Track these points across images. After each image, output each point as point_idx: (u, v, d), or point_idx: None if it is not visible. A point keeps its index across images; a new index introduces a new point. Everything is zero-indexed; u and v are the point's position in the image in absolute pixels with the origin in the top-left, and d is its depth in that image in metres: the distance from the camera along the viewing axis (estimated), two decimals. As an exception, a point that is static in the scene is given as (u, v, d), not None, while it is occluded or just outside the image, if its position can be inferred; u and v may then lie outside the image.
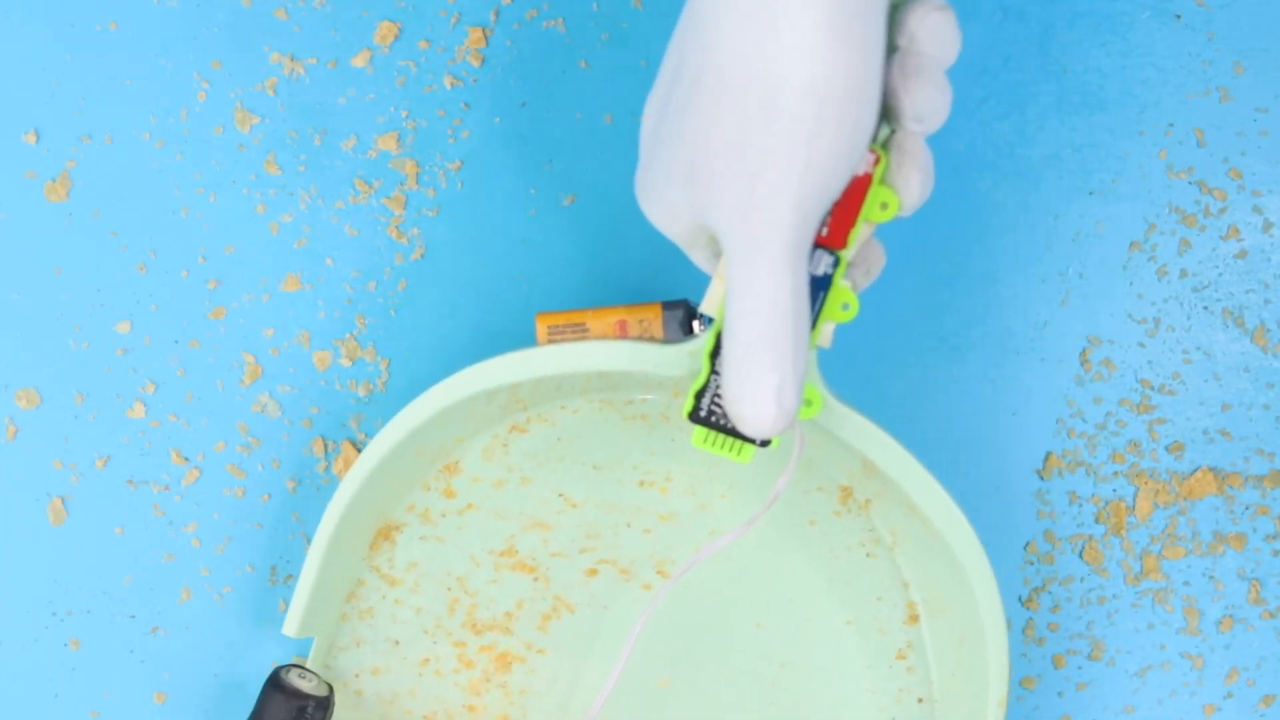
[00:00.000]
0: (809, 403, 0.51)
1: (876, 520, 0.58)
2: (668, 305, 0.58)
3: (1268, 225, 0.63)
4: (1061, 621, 0.62)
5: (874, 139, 0.49)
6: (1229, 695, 0.62)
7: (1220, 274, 0.63)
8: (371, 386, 0.62)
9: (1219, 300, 0.62)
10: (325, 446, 0.62)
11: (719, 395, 0.51)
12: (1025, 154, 0.63)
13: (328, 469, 0.62)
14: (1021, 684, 0.62)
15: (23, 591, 0.62)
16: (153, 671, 0.62)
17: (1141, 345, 0.62)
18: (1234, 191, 0.63)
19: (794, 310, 0.47)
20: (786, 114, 0.44)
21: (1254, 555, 0.62)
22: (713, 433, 0.51)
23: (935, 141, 0.63)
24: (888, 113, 0.48)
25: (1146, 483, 0.62)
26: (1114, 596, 0.62)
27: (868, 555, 0.59)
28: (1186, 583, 0.62)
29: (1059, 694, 0.62)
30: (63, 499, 0.62)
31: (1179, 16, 0.63)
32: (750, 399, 0.48)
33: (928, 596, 0.58)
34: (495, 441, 0.58)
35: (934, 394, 0.62)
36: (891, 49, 0.48)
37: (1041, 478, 0.62)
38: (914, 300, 0.62)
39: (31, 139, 0.62)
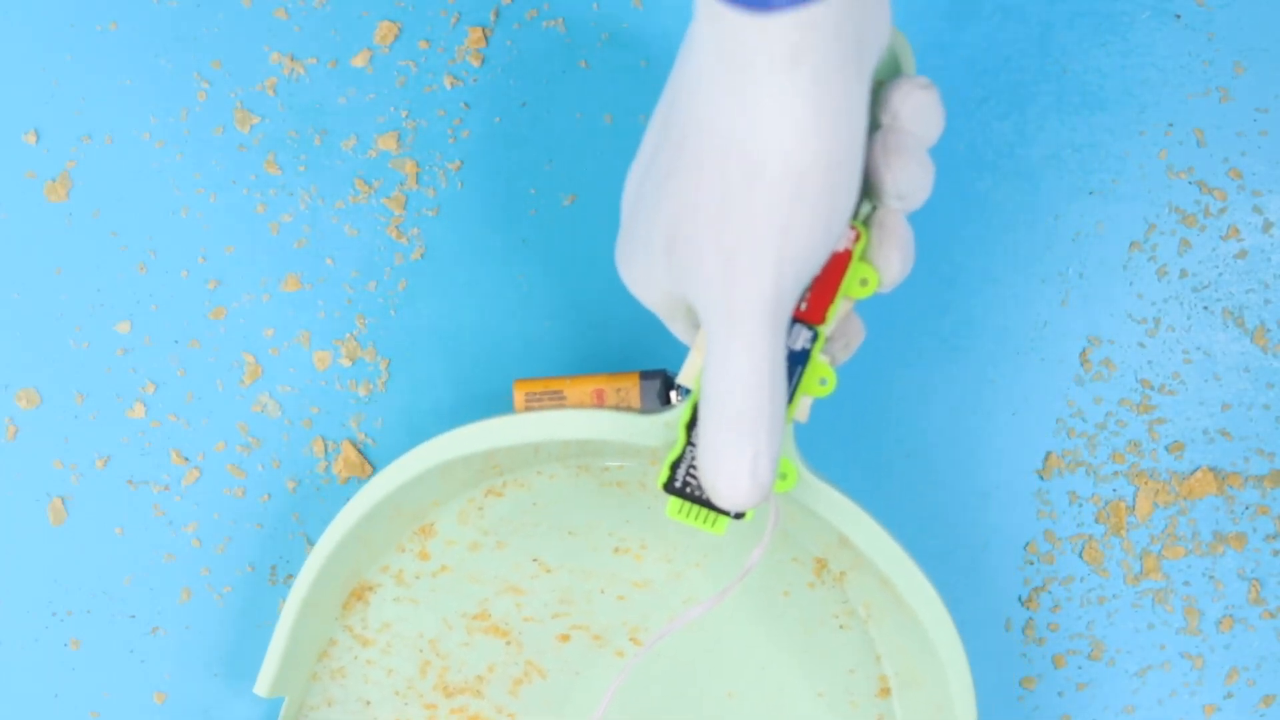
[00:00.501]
0: (784, 476, 0.52)
1: (851, 592, 0.58)
2: (645, 375, 0.58)
3: (1268, 225, 0.63)
4: (1061, 621, 0.62)
5: (855, 215, 0.49)
6: (1229, 695, 0.62)
7: (1220, 274, 0.63)
8: (371, 386, 0.62)
9: (1219, 300, 0.63)
10: (325, 446, 0.62)
11: (694, 467, 0.51)
12: (1025, 154, 0.63)
13: (328, 469, 0.62)
14: (1021, 684, 0.62)
15: (23, 591, 0.62)
16: (153, 671, 0.62)
17: (1141, 345, 0.62)
18: (1234, 191, 0.63)
19: (770, 385, 0.47)
20: (766, 190, 0.44)
21: (1254, 555, 0.62)
22: (687, 503, 0.52)
23: (935, 143, 0.63)
24: (869, 189, 0.48)
25: (1146, 483, 0.62)
26: (1114, 596, 0.62)
27: (841, 627, 0.59)
28: (1186, 583, 0.62)
29: (1059, 694, 0.62)
30: (63, 499, 0.62)
31: (1179, 16, 0.63)
32: (725, 473, 0.48)
33: (900, 669, 0.58)
34: (470, 505, 0.59)
35: (934, 394, 0.62)
36: (874, 126, 0.48)
37: (1041, 478, 0.62)
38: (914, 300, 0.62)
39: (31, 139, 0.62)
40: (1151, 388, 0.62)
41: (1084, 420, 0.62)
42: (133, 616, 0.62)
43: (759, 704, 0.59)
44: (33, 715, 0.61)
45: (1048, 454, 0.62)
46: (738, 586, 0.57)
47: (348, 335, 0.62)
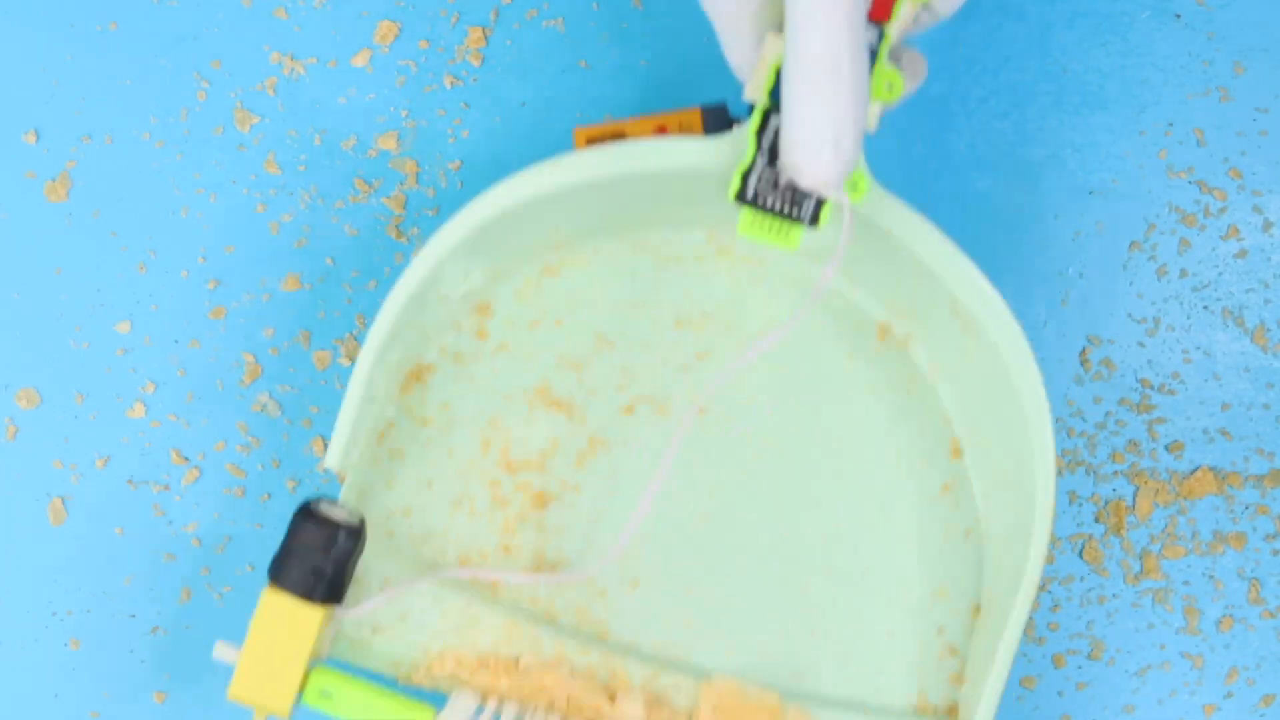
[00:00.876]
0: (855, 186, 0.52)
1: (916, 354, 0.58)
2: (706, 107, 0.58)
3: (1268, 225, 0.63)
4: (1061, 621, 0.62)
5: None
6: (1229, 695, 0.62)
7: (1220, 274, 0.63)
8: (371, 386, 0.62)
9: (1219, 300, 0.62)
10: (325, 446, 0.62)
11: (765, 174, 0.51)
12: (1025, 154, 0.63)
13: (327, 469, 0.62)
14: (1021, 684, 0.62)
15: (23, 591, 0.62)
16: (153, 671, 0.62)
17: (1141, 345, 0.62)
18: (1234, 191, 0.63)
19: (852, 50, 0.47)
20: None
21: (1254, 555, 0.62)
22: (759, 215, 0.51)
23: (934, 141, 0.63)
24: None
25: (1146, 482, 0.62)
26: (1114, 596, 0.62)
27: (908, 391, 0.59)
28: (1186, 582, 0.62)
29: (1059, 693, 0.62)
30: (63, 499, 0.62)
31: (1179, 16, 0.63)
32: (805, 139, 0.48)
33: (970, 430, 0.58)
34: (527, 284, 0.58)
35: (934, 394, 0.62)
36: None
37: (1041, 477, 0.62)
38: (914, 300, 0.62)
39: (31, 139, 0.62)
40: (1151, 387, 0.62)
41: (1084, 420, 0.62)
42: (133, 616, 0.62)
43: (826, 468, 0.58)
44: (33, 715, 0.61)
45: (1048, 454, 0.62)
46: (804, 353, 0.58)
47: (347, 335, 0.62)
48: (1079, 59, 0.63)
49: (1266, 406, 0.62)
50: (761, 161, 0.51)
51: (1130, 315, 0.63)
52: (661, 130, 0.58)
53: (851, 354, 0.59)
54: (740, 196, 0.51)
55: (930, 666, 0.58)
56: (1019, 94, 0.63)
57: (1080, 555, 0.62)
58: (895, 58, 0.52)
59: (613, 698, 0.57)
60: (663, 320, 0.59)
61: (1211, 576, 0.62)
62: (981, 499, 0.58)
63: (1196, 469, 0.62)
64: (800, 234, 0.52)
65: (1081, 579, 0.62)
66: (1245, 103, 0.63)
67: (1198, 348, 0.62)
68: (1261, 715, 0.62)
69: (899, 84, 0.51)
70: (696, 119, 0.58)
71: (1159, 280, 0.63)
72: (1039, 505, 0.55)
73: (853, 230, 0.53)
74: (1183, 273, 0.63)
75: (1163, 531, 0.62)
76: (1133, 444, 0.62)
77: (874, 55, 0.50)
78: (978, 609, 0.58)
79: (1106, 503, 0.62)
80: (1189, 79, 0.63)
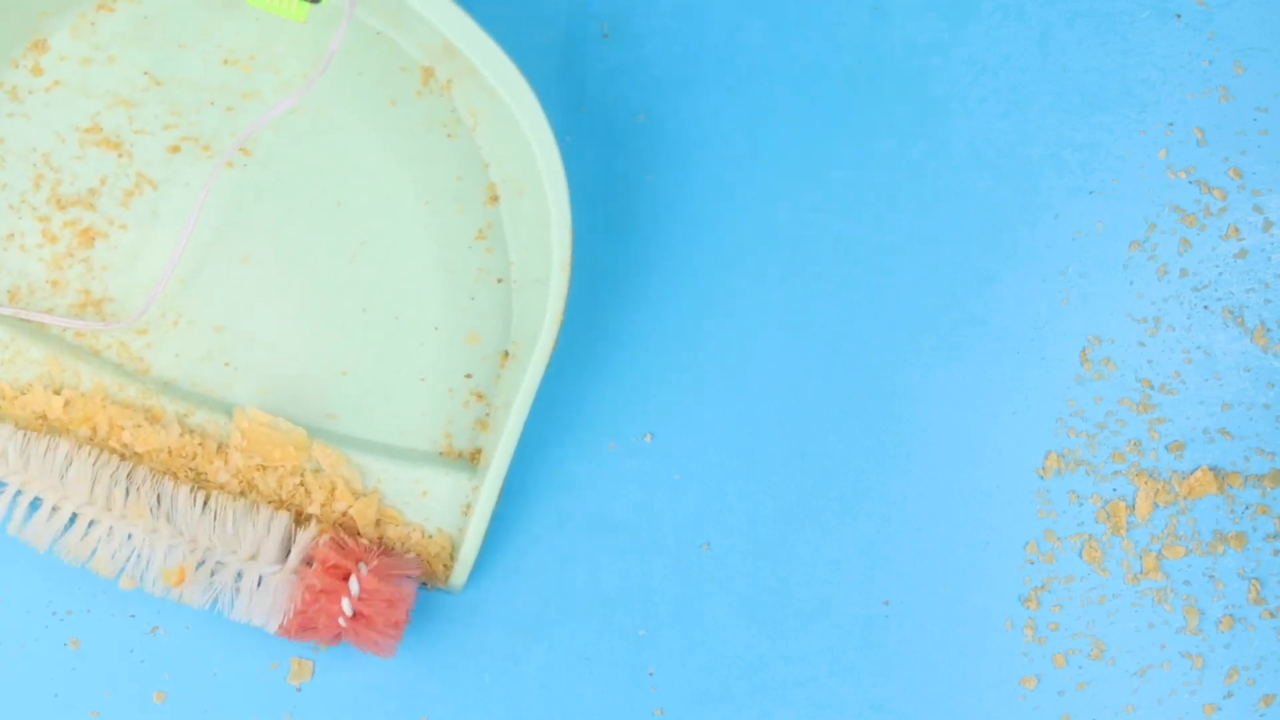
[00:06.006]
0: None
1: (458, 101, 0.60)
2: None
3: (1268, 225, 0.63)
4: (1062, 621, 0.62)
5: None
6: (1229, 695, 0.62)
7: (1220, 273, 0.63)
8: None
9: (1219, 300, 0.63)
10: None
11: None
12: (1025, 154, 0.63)
13: (328, 469, 0.62)
14: (1021, 683, 0.62)
15: (23, 591, 0.62)
16: (153, 671, 0.62)
17: (1141, 345, 0.62)
18: (1234, 191, 0.63)
19: None
20: None
21: (1254, 555, 0.62)
22: None
23: (931, 140, 0.63)
24: None
25: (1147, 482, 0.62)
26: (1114, 596, 0.62)
27: (449, 136, 0.60)
28: (1187, 582, 0.62)
29: (1059, 693, 0.62)
30: (63, 499, 0.62)
31: (1179, 16, 0.63)
32: None
33: (507, 177, 0.59)
34: (83, 20, 0.60)
35: (934, 394, 0.62)
36: None
37: (1041, 477, 0.62)
38: (914, 300, 0.62)
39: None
40: (1151, 387, 0.62)
41: (1084, 420, 0.62)
42: (133, 616, 0.62)
43: (366, 213, 0.60)
44: (33, 715, 0.61)
45: (1048, 453, 0.62)
46: (343, 94, 0.59)
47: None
48: (1079, 59, 0.63)
49: (1267, 406, 0.62)
50: None
51: (1130, 315, 0.63)
52: None
53: (395, 99, 0.60)
54: None
55: (457, 411, 0.60)
56: (1019, 94, 0.63)
57: (1080, 555, 0.62)
58: None
59: (153, 423, 0.59)
60: (211, 59, 0.60)
61: (1212, 576, 0.62)
62: (514, 246, 0.60)
63: (1197, 469, 0.62)
64: (307, 8, 0.54)
65: (1082, 579, 0.62)
66: (1245, 102, 0.63)
67: (1198, 347, 0.62)
68: (1261, 715, 0.62)
69: None
70: None
71: (1159, 280, 0.63)
72: (555, 258, 0.56)
73: (354, 4, 0.55)
74: (1183, 272, 0.63)
75: (1163, 531, 0.62)
76: (1133, 443, 0.62)
77: None
78: (507, 356, 0.60)
79: (1107, 502, 0.62)
80: (1189, 79, 0.63)
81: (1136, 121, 0.63)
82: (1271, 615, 0.62)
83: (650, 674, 0.61)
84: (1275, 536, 0.62)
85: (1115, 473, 0.62)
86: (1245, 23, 0.63)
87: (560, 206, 0.56)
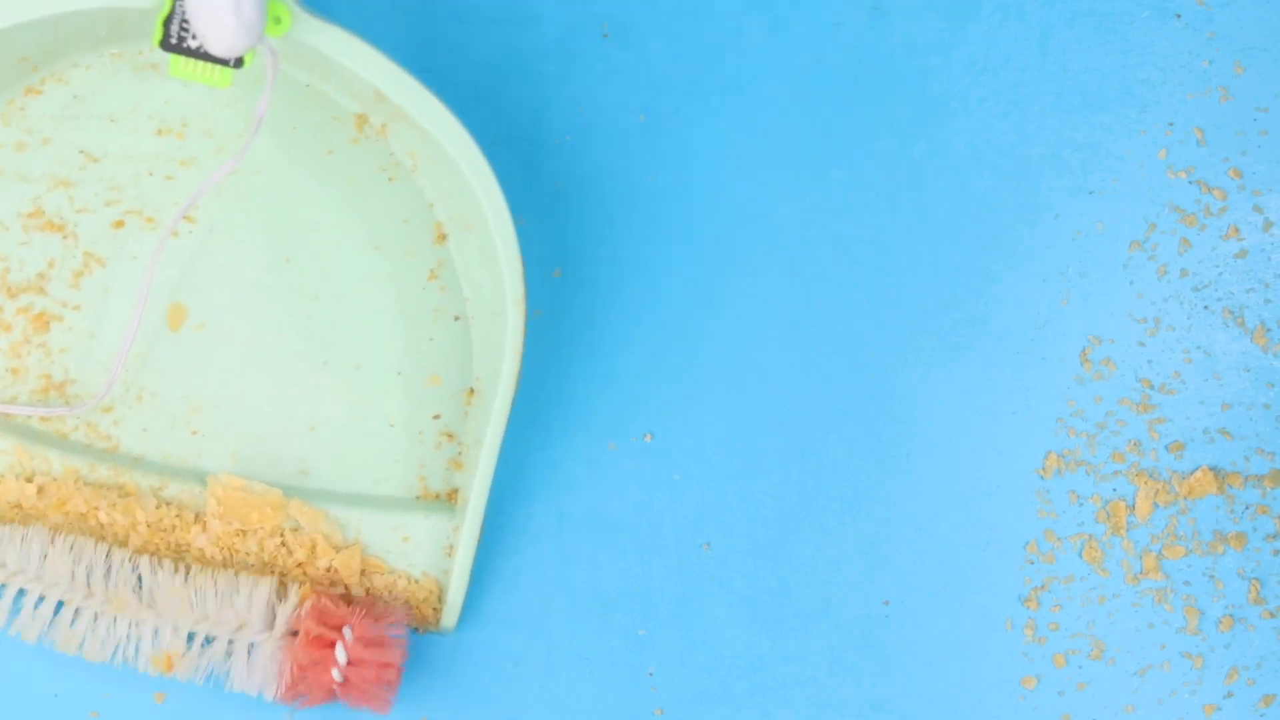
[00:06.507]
0: (278, 20, 0.53)
1: (395, 144, 0.59)
2: None
3: (1268, 225, 0.63)
4: (1062, 621, 0.62)
5: None
6: (1229, 695, 0.62)
7: (1220, 273, 0.63)
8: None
9: (1219, 300, 0.63)
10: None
11: (187, 21, 0.52)
12: (1025, 154, 0.63)
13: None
14: (1022, 683, 0.62)
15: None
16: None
17: (1141, 345, 0.62)
18: (1234, 191, 0.63)
19: None
20: None
21: (1254, 555, 0.62)
22: (188, 59, 0.53)
23: (931, 140, 0.63)
24: None
25: (1147, 482, 0.62)
26: (1114, 596, 0.62)
27: (390, 180, 0.59)
28: (1187, 582, 0.62)
29: (1059, 693, 0.62)
30: (63, 499, 0.62)
31: (1179, 16, 0.63)
32: (209, 15, 0.50)
33: (452, 215, 0.59)
34: (12, 106, 0.59)
35: (934, 394, 0.62)
36: None
37: (1041, 477, 0.62)
38: (914, 300, 0.62)
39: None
40: (1151, 387, 0.62)
41: (1084, 420, 0.62)
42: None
43: (316, 265, 0.59)
44: (33, 715, 0.61)
45: (1048, 454, 0.62)
46: (282, 152, 0.59)
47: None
48: (1079, 59, 0.63)
49: (1267, 406, 0.62)
50: (180, 7, 0.53)
51: (1130, 315, 0.63)
52: None
53: (332, 149, 0.59)
54: (165, 44, 0.53)
55: (429, 454, 0.60)
56: (1019, 94, 0.63)
57: (1080, 555, 0.62)
58: None
59: (127, 500, 0.58)
60: (145, 130, 0.59)
61: (1212, 576, 0.62)
62: (467, 282, 0.59)
63: (1197, 469, 0.62)
64: (231, 74, 0.53)
65: (1082, 579, 0.62)
66: (1245, 102, 0.63)
67: (1198, 347, 0.62)
68: (1261, 715, 0.62)
69: None
70: None
71: (1159, 280, 0.63)
72: (509, 295, 0.56)
73: (278, 69, 0.55)
74: (1183, 272, 0.63)
75: (1163, 531, 0.62)
76: (1133, 443, 0.62)
77: None
78: (472, 393, 0.60)
79: (1107, 502, 0.62)
80: (1189, 79, 0.63)
81: (1136, 121, 0.63)
82: (1271, 615, 0.62)
83: (650, 674, 0.61)
84: (1275, 536, 0.62)
85: (1115, 473, 0.62)
86: (1245, 23, 0.63)
87: (508, 244, 0.56)
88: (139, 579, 0.58)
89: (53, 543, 0.58)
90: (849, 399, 0.62)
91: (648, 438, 0.62)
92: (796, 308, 0.62)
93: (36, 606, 0.58)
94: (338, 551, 0.59)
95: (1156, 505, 0.62)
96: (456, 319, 0.60)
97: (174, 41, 0.53)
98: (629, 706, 0.61)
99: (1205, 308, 0.63)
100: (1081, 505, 0.62)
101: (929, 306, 0.62)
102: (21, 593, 0.58)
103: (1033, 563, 0.62)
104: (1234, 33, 0.63)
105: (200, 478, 0.59)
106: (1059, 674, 0.62)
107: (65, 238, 0.59)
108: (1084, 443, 0.62)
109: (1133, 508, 0.62)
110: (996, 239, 0.62)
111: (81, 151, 0.59)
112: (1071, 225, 0.63)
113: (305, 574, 0.59)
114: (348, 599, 0.59)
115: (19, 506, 0.59)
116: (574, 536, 0.62)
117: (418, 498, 0.60)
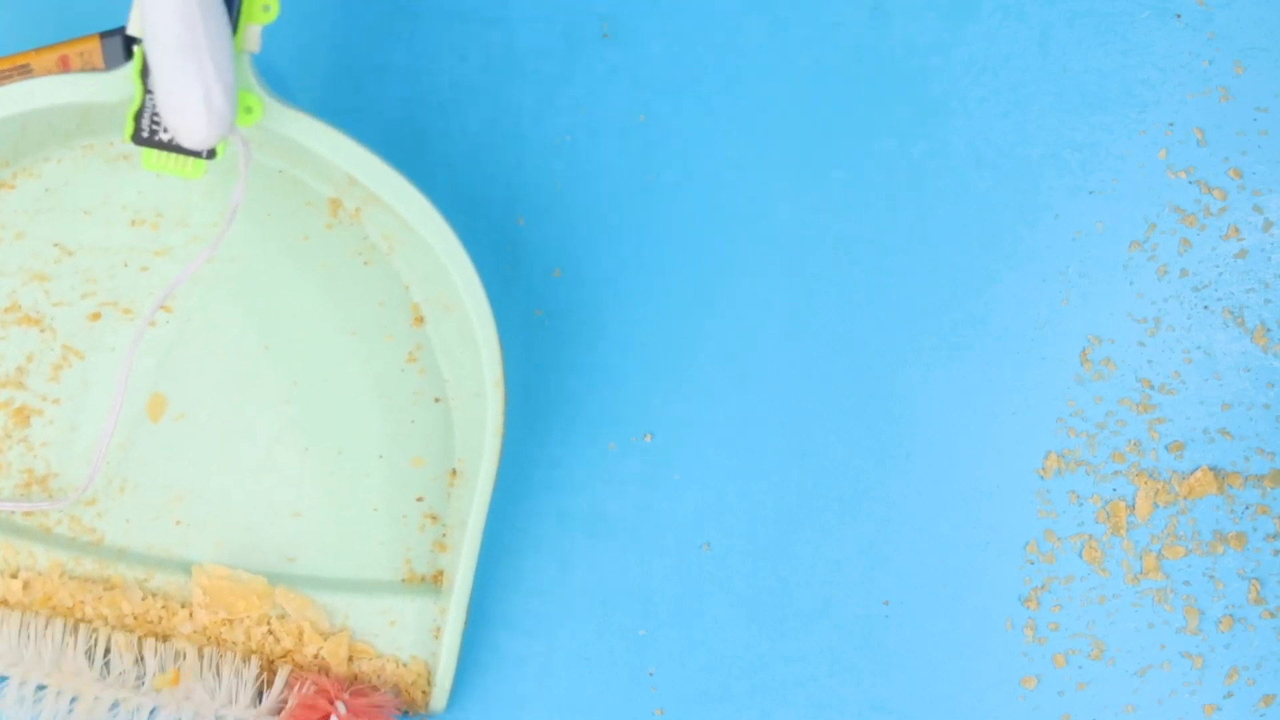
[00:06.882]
0: (249, 110, 0.53)
1: (369, 227, 0.59)
2: (105, 35, 0.59)
3: (1268, 225, 0.63)
4: (1062, 621, 0.62)
5: None
6: (1229, 695, 0.62)
7: (1220, 273, 0.63)
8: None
9: (1219, 300, 0.63)
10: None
11: (158, 114, 0.52)
12: (1025, 154, 0.63)
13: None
14: (1022, 683, 0.62)
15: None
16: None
17: (1141, 345, 0.63)
18: (1234, 191, 0.63)
19: (204, 16, 0.49)
20: None
21: (1254, 555, 0.62)
22: (160, 152, 0.53)
23: (931, 140, 0.63)
24: None
25: (1147, 482, 0.62)
26: (1114, 596, 0.62)
27: (365, 263, 0.59)
28: (1187, 582, 0.62)
29: (1059, 693, 0.62)
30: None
31: (1179, 16, 0.63)
32: (179, 108, 0.50)
33: (429, 297, 0.59)
34: None
35: (934, 394, 0.62)
36: None
37: (1041, 477, 0.62)
38: (914, 300, 0.62)
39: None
40: (1151, 387, 0.62)
41: (1084, 420, 0.62)
42: (133, 616, 0.62)
43: (294, 351, 0.59)
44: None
45: (1048, 454, 0.62)
46: (257, 240, 0.59)
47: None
48: (1079, 59, 0.63)
49: (1267, 406, 0.62)
50: (151, 101, 0.53)
51: (1130, 315, 0.63)
52: (64, 61, 0.59)
53: (307, 234, 0.59)
54: (136, 138, 0.53)
55: (413, 536, 0.60)
56: (1019, 94, 0.63)
57: (1080, 555, 0.62)
58: None
59: (113, 592, 0.59)
60: (118, 222, 0.59)
61: (1212, 576, 0.62)
62: (446, 364, 0.59)
63: (1197, 469, 0.62)
64: (203, 165, 0.53)
65: (1082, 579, 0.62)
66: (1245, 102, 0.63)
67: (1198, 347, 0.62)
68: (1261, 715, 0.62)
69: (274, 3, 0.52)
70: (97, 47, 0.59)
71: (1159, 280, 0.63)
72: (488, 377, 0.56)
73: (250, 158, 0.55)
74: (1183, 273, 0.63)
75: (1163, 531, 0.62)
76: (1133, 444, 0.62)
77: None
78: (455, 474, 0.60)
79: (1107, 502, 0.62)
80: (1189, 79, 0.63)
81: (1136, 121, 0.63)
82: (1271, 615, 0.62)
83: (650, 674, 0.61)
84: (1275, 536, 0.62)
85: (1115, 473, 0.62)
86: (1245, 23, 0.63)
87: (485, 326, 0.56)
88: (132, 662, 0.58)
89: (40, 633, 0.58)
90: (849, 399, 0.62)
91: (648, 438, 0.62)
92: (796, 308, 0.62)
93: (21, 691, 0.58)
94: (325, 638, 0.59)
95: (1156, 505, 0.62)
96: (437, 401, 0.59)
97: (146, 135, 0.53)
98: (629, 706, 0.61)
99: (1205, 308, 0.63)
100: (1081, 505, 0.62)
101: (929, 306, 0.62)
102: (2, 679, 0.58)
103: (1033, 563, 0.62)
104: (1234, 33, 0.63)
105: (185, 567, 0.59)
106: (1059, 674, 0.62)
107: (43, 331, 0.59)
108: (1084, 443, 0.62)
109: (1133, 508, 0.62)
110: (996, 239, 0.62)
111: (56, 245, 0.59)
112: (1071, 225, 0.63)
113: (293, 661, 0.59)
114: (339, 679, 0.59)
115: (4, 602, 0.59)
116: (574, 536, 0.62)
117: (403, 581, 0.60)
